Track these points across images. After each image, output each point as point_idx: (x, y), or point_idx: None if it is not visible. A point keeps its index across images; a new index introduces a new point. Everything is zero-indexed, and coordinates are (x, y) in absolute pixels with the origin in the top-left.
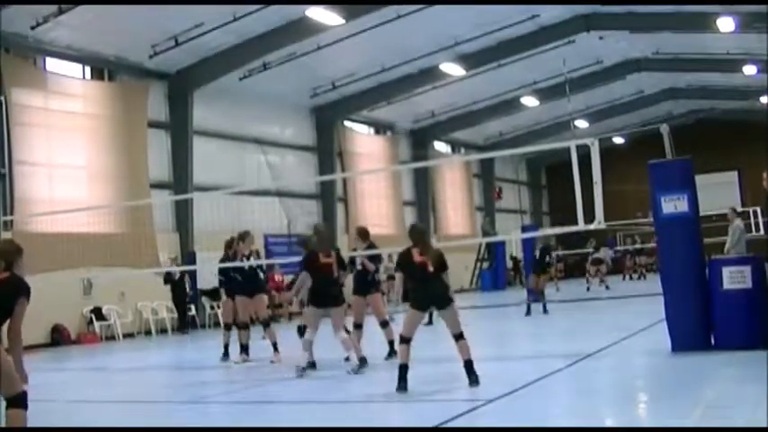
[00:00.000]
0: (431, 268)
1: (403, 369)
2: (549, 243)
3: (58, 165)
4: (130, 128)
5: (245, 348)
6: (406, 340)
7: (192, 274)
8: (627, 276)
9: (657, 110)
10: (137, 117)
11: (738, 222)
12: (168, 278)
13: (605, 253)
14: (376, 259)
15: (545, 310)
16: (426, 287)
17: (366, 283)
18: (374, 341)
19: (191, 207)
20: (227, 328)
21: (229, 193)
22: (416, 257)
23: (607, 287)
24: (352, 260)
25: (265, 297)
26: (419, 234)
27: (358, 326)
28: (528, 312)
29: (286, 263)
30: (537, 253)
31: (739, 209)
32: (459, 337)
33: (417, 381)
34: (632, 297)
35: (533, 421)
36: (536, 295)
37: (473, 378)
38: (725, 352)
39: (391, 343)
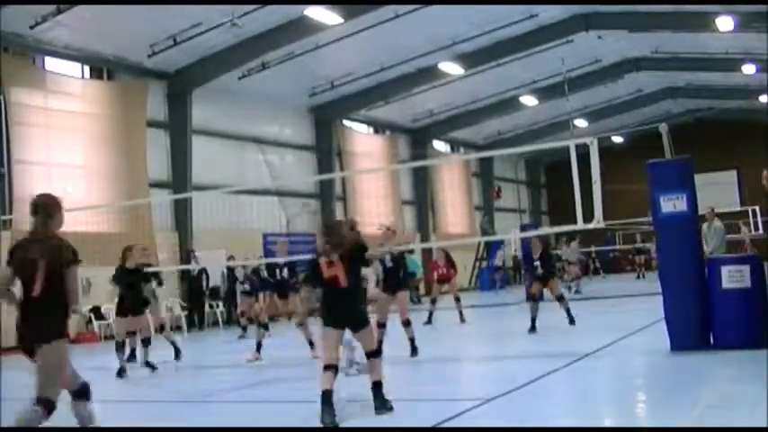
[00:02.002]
0: (343, 283)
1: (327, 395)
2: (548, 242)
3: (56, 164)
4: (129, 127)
5: (258, 347)
6: (329, 367)
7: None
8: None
9: (656, 109)
10: (136, 116)
11: (718, 223)
12: (186, 275)
13: (571, 254)
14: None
15: (571, 320)
16: (338, 305)
17: (397, 280)
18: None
19: (190, 206)
20: (261, 326)
21: (228, 192)
22: (325, 271)
23: (571, 289)
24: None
25: (297, 297)
26: (329, 231)
27: (381, 324)
28: (533, 328)
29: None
30: (538, 264)
31: (738, 208)
32: (371, 354)
33: (416, 380)
34: (631, 296)
35: (532, 421)
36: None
37: (378, 403)
38: (724, 351)
39: (412, 340)
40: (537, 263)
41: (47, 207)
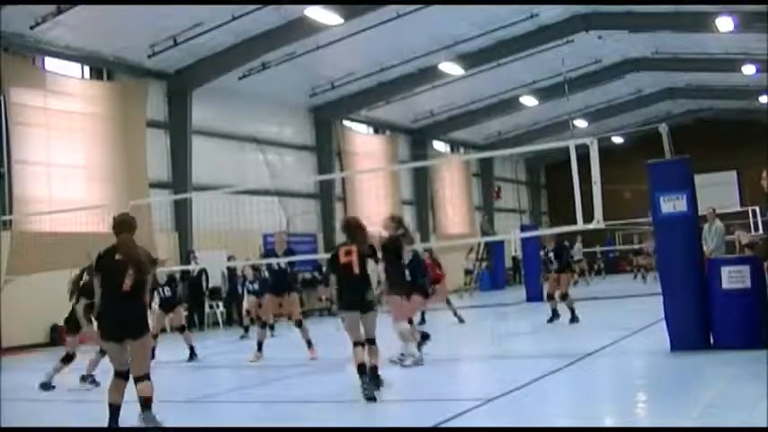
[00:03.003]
0: (356, 270)
1: (361, 368)
2: (564, 242)
3: (56, 164)
4: (129, 127)
5: (260, 346)
6: (356, 344)
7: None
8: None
9: (656, 109)
10: (136, 116)
11: (719, 223)
12: (186, 275)
13: (576, 252)
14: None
15: (573, 318)
16: (350, 289)
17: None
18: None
19: (190, 206)
20: (264, 326)
21: (228, 192)
22: (342, 258)
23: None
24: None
25: (297, 296)
26: (349, 229)
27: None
28: (555, 316)
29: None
30: (552, 255)
31: (738, 208)
32: (371, 341)
33: (417, 380)
34: (631, 296)
35: (532, 421)
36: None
37: (372, 385)
38: (724, 351)
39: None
40: (551, 254)
41: (131, 223)
